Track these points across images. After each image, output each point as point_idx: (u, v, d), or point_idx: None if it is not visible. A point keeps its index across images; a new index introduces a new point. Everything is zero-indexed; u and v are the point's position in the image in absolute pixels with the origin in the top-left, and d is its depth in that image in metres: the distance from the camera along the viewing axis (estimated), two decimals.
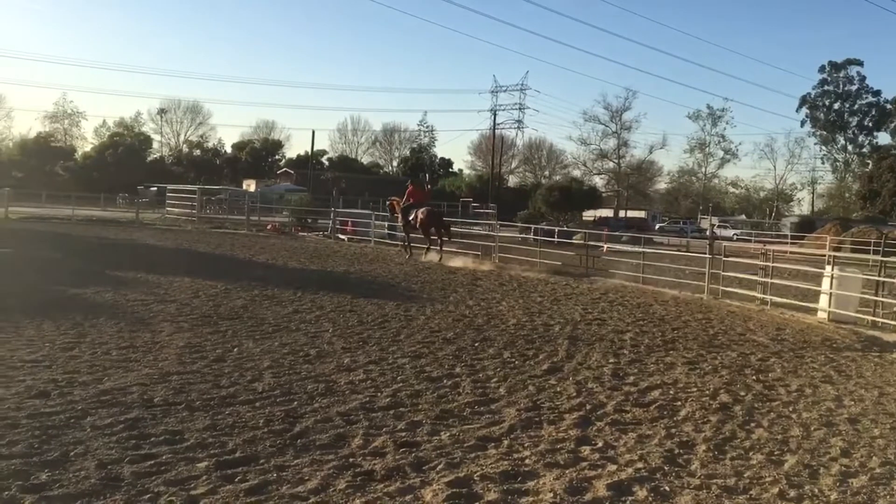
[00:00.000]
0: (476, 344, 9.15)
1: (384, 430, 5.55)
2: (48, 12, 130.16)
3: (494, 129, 78.10)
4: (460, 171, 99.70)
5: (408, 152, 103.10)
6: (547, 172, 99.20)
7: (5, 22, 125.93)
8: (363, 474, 4.64)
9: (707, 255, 16.73)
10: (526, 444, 5.39)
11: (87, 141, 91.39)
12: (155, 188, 55.90)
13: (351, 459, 4.89)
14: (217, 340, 8.49)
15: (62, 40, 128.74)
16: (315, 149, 75.42)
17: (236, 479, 4.44)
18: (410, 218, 21.89)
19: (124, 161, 72.92)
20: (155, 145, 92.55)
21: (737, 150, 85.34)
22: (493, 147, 78.00)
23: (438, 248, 21.45)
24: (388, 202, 25.84)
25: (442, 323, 10.60)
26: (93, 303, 10.69)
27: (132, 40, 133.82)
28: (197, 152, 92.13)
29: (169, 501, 4.11)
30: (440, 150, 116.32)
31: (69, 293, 11.48)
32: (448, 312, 11.61)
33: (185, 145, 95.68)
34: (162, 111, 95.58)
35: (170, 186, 44.13)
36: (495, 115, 77.93)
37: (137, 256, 18.60)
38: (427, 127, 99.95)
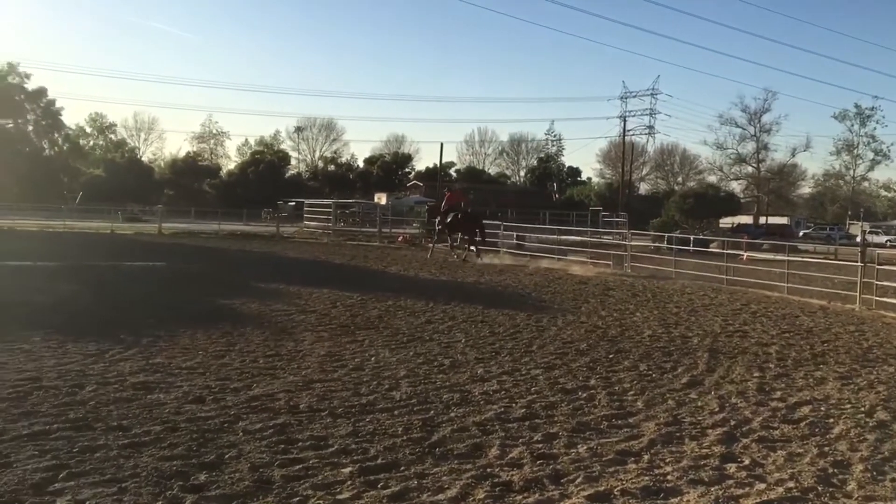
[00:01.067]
0: (610, 356, 8.98)
1: (520, 441, 5.53)
2: (197, 40, 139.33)
3: (624, 135, 76.67)
4: (589, 179, 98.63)
5: (535, 162, 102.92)
6: (680, 179, 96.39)
7: (160, 51, 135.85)
8: (501, 485, 4.64)
9: (859, 264, 15.70)
10: (667, 460, 5.23)
11: (230, 159, 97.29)
12: (293, 203, 58.51)
13: (488, 469, 4.91)
14: (355, 349, 8.76)
15: (208, 63, 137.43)
16: (443, 161, 76.72)
17: (379, 485, 4.56)
18: (448, 220, 24.15)
19: (265, 177, 76.70)
20: (292, 162, 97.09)
21: (888, 150, 79.28)
22: (622, 154, 76.57)
23: (475, 248, 23.91)
24: (425, 206, 27.89)
25: (574, 334, 10.47)
26: (240, 313, 11.29)
27: (271, 62, 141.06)
28: (331, 167, 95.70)
29: None
30: (568, 159, 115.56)
31: (218, 304, 12.19)
32: (580, 323, 11.47)
33: (320, 161, 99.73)
34: (299, 129, 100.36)
35: (307, 201, 45.96)
36: (625, 121, 76.48)
37: (279, 269, 19.54)
38: (554, 136, 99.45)
